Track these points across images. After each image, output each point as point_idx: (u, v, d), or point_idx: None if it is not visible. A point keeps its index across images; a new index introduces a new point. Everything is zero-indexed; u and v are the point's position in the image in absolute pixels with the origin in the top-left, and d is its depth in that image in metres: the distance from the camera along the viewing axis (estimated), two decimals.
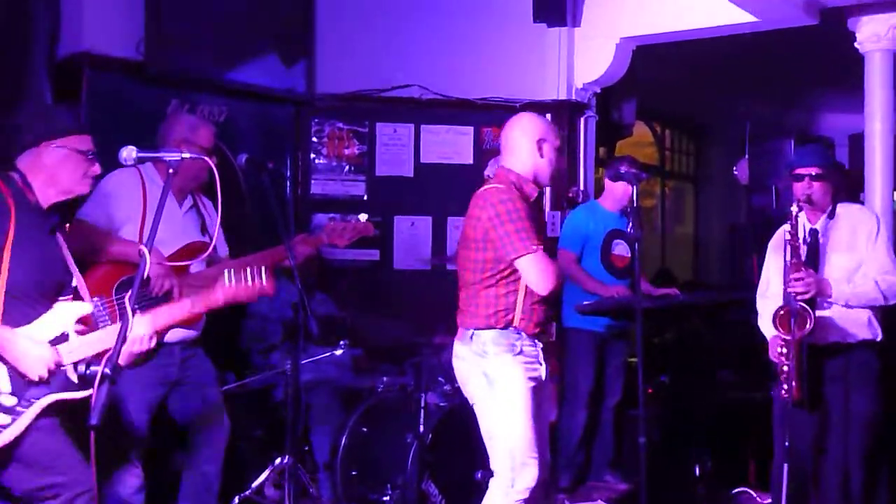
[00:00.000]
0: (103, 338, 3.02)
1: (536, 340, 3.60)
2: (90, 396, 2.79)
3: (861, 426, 3.95)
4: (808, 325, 3.69)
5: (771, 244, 4.24)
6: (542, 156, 3.62)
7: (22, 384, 2.89)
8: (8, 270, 2.93)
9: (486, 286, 3.55)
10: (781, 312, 3.82)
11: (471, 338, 3.58)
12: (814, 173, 3.99)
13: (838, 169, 4.16)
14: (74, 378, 2.98)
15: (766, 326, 4.07)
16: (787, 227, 3.93)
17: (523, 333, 3.55)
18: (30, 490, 2.97)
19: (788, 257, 3.86)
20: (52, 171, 3.08)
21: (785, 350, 3.83)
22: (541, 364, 3.63)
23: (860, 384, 3.98)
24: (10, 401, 2.87)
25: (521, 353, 3.55)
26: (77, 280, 3.16)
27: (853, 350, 3.98)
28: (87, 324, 3.12)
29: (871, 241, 4.00)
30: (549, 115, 6.01)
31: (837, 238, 4.02)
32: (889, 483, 4.17)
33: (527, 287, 3.52)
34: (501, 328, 3.54)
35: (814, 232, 3.99)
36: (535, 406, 3.55)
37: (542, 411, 3.67)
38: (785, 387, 3.85)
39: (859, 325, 3.98)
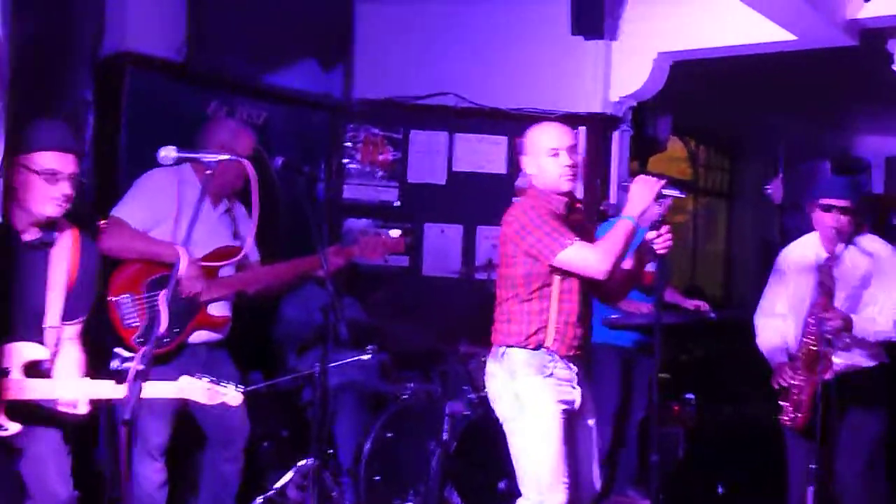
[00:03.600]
0: (43, 388, 2.95)
1: (571, 364, 3.49)
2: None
3: (870, 446, 3.96)
4: (829, 372, 3.71)
5: (791, 265, 4.17)
6: (531, 169, 3.52)
7: None
8: None
9: (518, 301, 3.46)
10: (813, 350, 3.80)
11: (501, 355, 3.49)
12: (844, 206, 3.92)
13: (866, 201, 4.12)
14: None
15: (771, 344, 4.13)
16: (821, 260, 3.90)
17: (556, 356, 3.45)
18: None
19: (818, 295, 3.84)
20: (18, 193, 2.91)
21: (798, 383, 3.87)
22: (574, 388, 3.50)
23: (870, 407, 3.98)
24: None
25: (551, 375, 3.44)
26: (48, 309, 3.02)
27: (862, 374, 3.97)
28: (36, 369, 3.01)
29: (890, 278, 3.95)
30: (583, 128, 6.03)
31: (852, 271, 3.97)
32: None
33: (559, 305, 3.44)
34: (533, 349, 3.44)
35: (828, 261, 3.91)
36: (566, 431, 3.43)
37: (576, 441, 3.52)
38: (792, 414, 3.91)
39: (869, 351, 3.98)
